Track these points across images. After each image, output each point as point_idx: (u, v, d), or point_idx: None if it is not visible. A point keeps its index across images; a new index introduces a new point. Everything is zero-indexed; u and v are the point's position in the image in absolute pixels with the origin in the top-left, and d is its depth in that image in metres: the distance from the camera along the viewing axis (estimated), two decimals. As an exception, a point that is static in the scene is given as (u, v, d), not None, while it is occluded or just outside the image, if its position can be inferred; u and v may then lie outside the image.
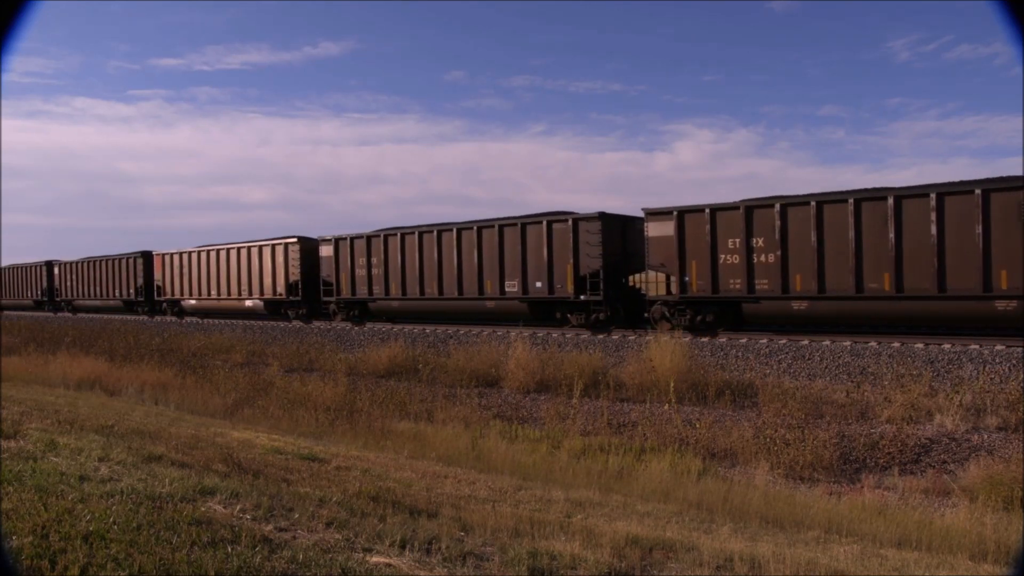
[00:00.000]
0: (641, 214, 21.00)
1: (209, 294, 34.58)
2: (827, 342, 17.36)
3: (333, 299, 28.88)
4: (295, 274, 29.95)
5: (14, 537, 3.87)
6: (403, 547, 4.41)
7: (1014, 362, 14.02)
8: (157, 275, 38.16)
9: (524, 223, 22.52)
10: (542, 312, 22.67)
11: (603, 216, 21.10)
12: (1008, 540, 6.85)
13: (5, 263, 54.28)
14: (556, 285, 21.78)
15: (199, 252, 35.34)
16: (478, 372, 17.12)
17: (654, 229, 20.01)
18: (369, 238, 27.11)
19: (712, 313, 19.35)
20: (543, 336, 21.08)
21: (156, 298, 38.46)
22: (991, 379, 13.01)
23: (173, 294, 36.95)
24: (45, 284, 48.43)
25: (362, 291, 27.40)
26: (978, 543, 6.71)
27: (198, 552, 3.87)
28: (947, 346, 15.76)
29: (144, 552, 3.78)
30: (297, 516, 4.90)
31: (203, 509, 4.80)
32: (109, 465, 6.05)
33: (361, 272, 27.41)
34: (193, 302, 35.83)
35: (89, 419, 9.28)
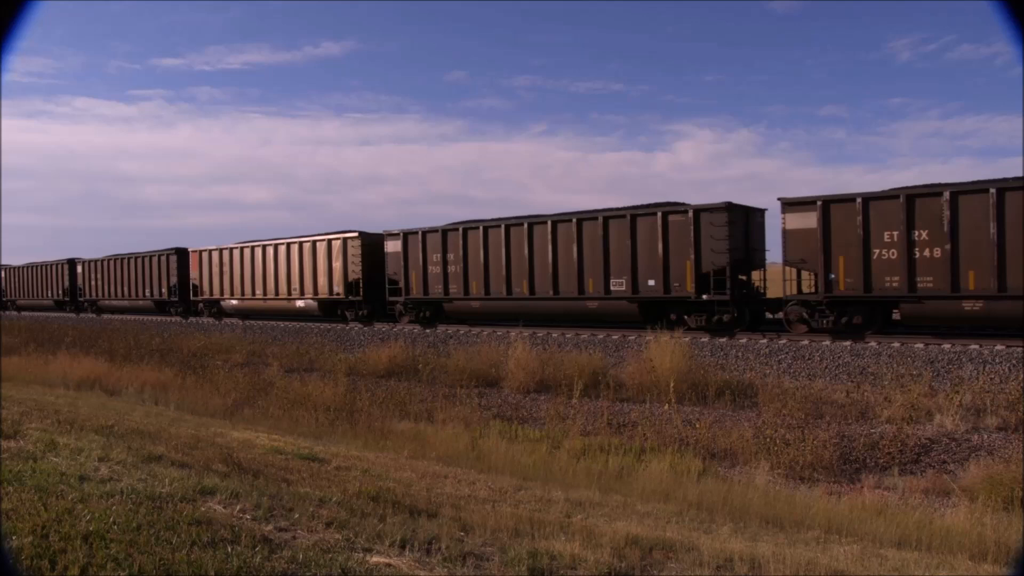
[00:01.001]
0: (762, 205, 19.99)
1: (254, 294, 31.84)
2: (827, 342, 17.35)
3: (400, 299, 26.35)
4: (356, 272, 27.30)
5: (14, 537, 3.87)
6: (403, 547, 4.41)
7: (1014, 362, 14.04)
8: (193, 273, 35.29)
9: (634, 215, 20.35)
10: (654, 313, 20.39)
11: (730, 207, 19.15)
12: (1008, 540, 6.85)
13: (24, 261, 51.82)
14: (673, 284, 19.69)
15: (242, 248, 32.52)
16: (478, 372, 17.13)
17: (793, 221, 18.00)
18: (445, 232, 24.72)
19: (860, 314, 17.54)
20: (543, 336, 21.08)
21: (193, 298, 35.79)
22: (991, 379, 13.02)
23: (212, 294, 34.21)
24: (67, 283, 45.70)
25: (436, 290, 24.89)
26: (978, 543, 6.71)
27: (198, 552, 3.87)
28: (947, 346, 15.76)
29: (144, 552, 3.78)
30: (297, 516, 4.90)
31: (203, 509, 4.80)
32: (109, 465, 6.05)
33: (435, 269, 24.87)
34: (235, 303, 32.99)
35: (89, 419, 9.28)
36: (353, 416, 13.34)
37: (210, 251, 34.29)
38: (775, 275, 21.20)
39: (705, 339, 18.67)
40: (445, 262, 24.67)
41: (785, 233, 18.24)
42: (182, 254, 36.35)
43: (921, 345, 16.12)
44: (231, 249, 33.09)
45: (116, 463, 6.16)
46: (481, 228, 23.78)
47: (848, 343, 17.03)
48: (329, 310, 28.88)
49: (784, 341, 17.93)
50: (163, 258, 37.35)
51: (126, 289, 40.04)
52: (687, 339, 16.67)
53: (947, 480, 9.74)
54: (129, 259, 39.79)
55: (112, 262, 41.23)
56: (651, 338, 16.13)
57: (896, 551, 6.35)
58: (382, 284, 27.15)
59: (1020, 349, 14.50)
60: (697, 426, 11.95)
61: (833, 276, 17.44)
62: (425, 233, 25.26)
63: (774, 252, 20.35)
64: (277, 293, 30.59)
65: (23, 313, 48.51)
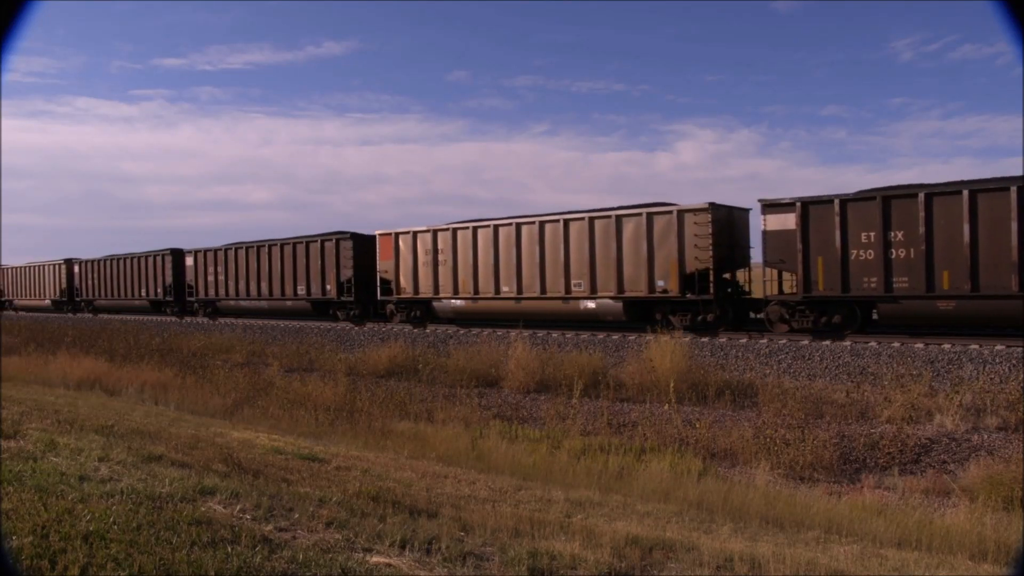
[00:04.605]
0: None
1: (497, 291, 23.29)
2: (827, 342, 17.34)
3: (789, 296, 18.53)
4: (701, 259, 19.11)
5: (14, 537, 3.87)
6: (403, 547, 4.41)
7: (1014, 362, 14.04)
8: (382, 264, 26.80)
9: None
10: None
11: None
12: (1008, 540, 6.85)
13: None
14: None
15: (474, 227, 23.79)
16: (478, 372, 17.13)
17: None
18: (887, 199, 16.71)
19: None
20: (543, 336, 21.07)
21: (381, 296, 27.25)
22: (991, 379, 13.02)
23: (416, 292, 25.60)
24: (169, 279, 37.11)
25: (865, 284, 17.05)
26: (978, 543, 6.71)
27: (198, 552, 3.87)
28: (947, 346, 15.75)
29: (144, 552, 3.78)
30: (297, 516, 4.90)
31: (203, 509, 4.80)
32: (109, 465, 6.05)
33: (864, 255, 17.04)
34: (458, 303, 24.51)
35: (89, 419, 9.27)
36: (353, 416, 13.34)
37: (413, 233, 25.62)
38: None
39: (705, 339, 18.65)
40: (887, 243, 16.79)
41: None
42: (361, 240, 28.03)
43: (921, 345, 16.10)
44: (453, 229, 24.52)
45: (116, 463, 6.16)
46: (965, 193, 15.80)
47: (848, 343, 17.00)
48: (641, 312, 20.81)
49: (784, 341, 17.92)
50: (329, 244, 28.58)
51: (264, 285, 31.50)
52: (687, 339, 16.66)
53: (947, 480, 9.74)
54: (267, 247, 31.52)
55: (236, 252, 33.04)
56: (651, 338, 16.13)
57: (896, 551, 6.35)
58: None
59: (1020, 349, 14.50)
60: (697, 426, 11.95)
61: None
62: (846, 202, 17.30)
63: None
64: (544, 291, 22.16)
65: (100, 316, 40.64)
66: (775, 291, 18.92)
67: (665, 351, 15.05)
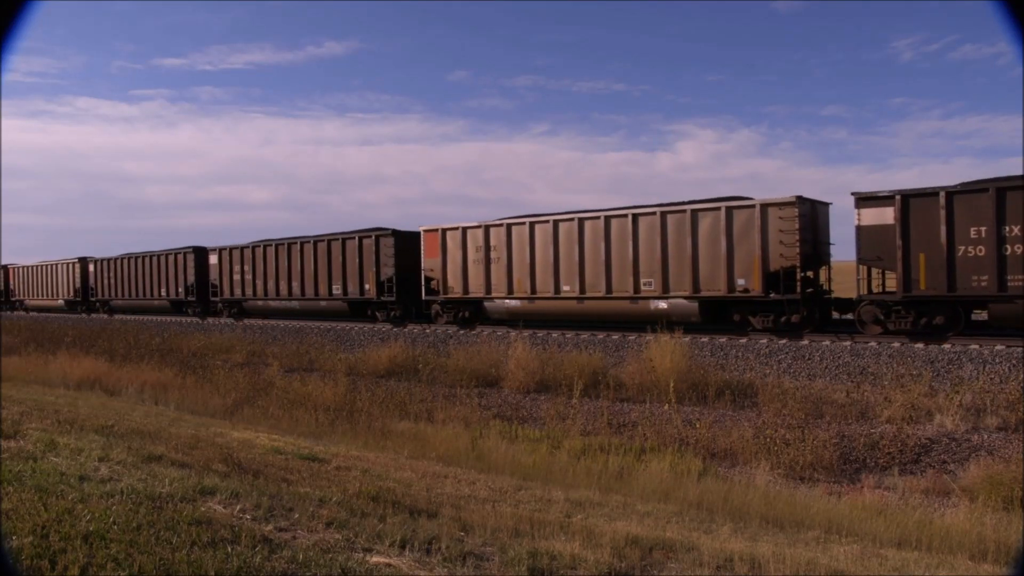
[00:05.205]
0: None
1: (556, 290, 21.78)
2: (827, 342, 17.33)
3: (890, 295, 16.97)
4: (789, 256, 17.79)
5: (14, 537, 3.87)
6: (403, 547, 4.42)
7: (1014, 362, 14.04)
8: (428, 262, 25.07)
9: None
10: None
11: None
12: (1008, 540, 6.85)
13: (105, 253, 40.91)
14: None
15: (531, 223, 22.31)
16: (478, 372, 17.13)
17: None
18: (1001, 191, 15.17)
19: None
20: (543, 336, 21.07)
21: (425, 296, 25.51)
22: (991, 379, 13.03)
23: (466, 291, 23.88)
24: (192, 279, 35.04)
25: (974, 282, 15.54)
26: (978, 543, 6.72)
27: (198, 552, 3.87)
28: (947, 346, 15.74)
29: (144, 552, 3.78)
30: (297, 516, 4.90)
31: (203, 509, 4.80)
32: (109, 465, 6.05)
33: (973, 252, 15.51)
34: (512, 303, 23.08)
35: (89, 419, 9.27)
36: (353, 416, 13.34)
37: (463, 229, 24.07)
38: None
39: (705, 339, 18.66)
40: (1000, 238, 15.18)
41: None
42: (403, 237, 26.44)
43: (921, 345, 16.10)
44: (508, 225, 22.94)
45: (116, 463, 6.16)
46: None
47: (848, 343, 16.99)
48: (718, 313, 19.59)
49: (784, 341, 17.92)
50: (368, 242, 27.01)
51: (294, 285, 29.96)
52: (687, 339, 16.66)
53: (947, 480, 9.74)
54: (299, 245, 29.65)
55: (265, 250, 31.41)
56: (651, 338, 16.13)
57: (896, 551, 6.35)
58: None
59: (1020, 349, 14.50)
60: (697, 426, 11.96)
61: None
62: (952, 195, 15.73)
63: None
64: (609, 290, 20.73)
65: (115, 316, 38.83)
66: (866, 290, 17.53)
67: (665, 351, 15.06)
